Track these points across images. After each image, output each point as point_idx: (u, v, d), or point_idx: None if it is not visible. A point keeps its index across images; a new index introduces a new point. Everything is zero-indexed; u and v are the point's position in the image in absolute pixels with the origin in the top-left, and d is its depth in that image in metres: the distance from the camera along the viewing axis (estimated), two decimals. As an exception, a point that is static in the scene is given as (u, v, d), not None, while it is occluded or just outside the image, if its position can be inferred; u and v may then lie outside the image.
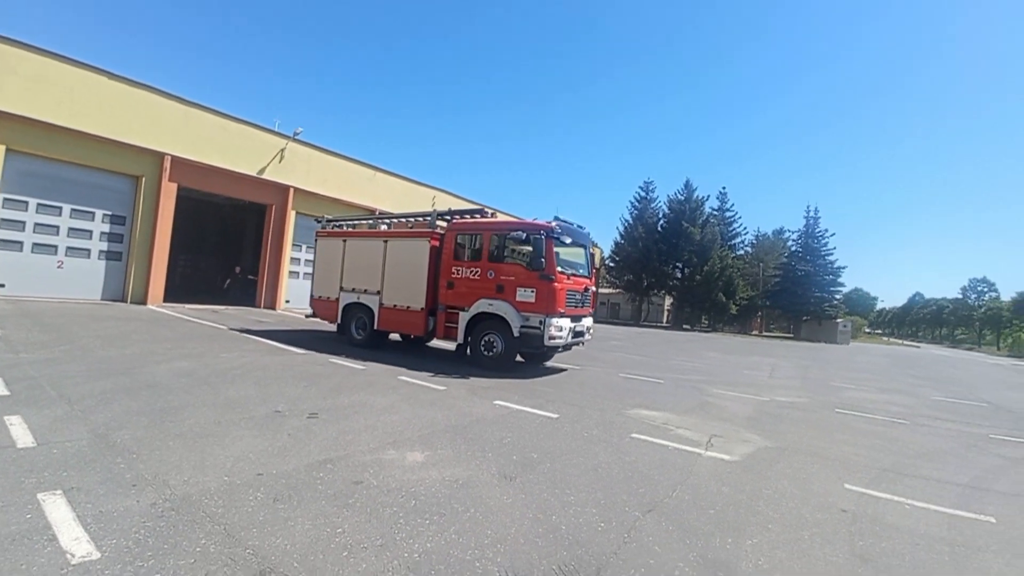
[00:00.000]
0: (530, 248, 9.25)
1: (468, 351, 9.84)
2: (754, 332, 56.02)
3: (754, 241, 65.59)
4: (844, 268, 51.49)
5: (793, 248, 54.34)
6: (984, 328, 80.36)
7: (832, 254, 50.99)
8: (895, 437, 6.98)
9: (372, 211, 23.25)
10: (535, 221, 9.77)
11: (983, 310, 79.50)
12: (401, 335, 11.97)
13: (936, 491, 4.71)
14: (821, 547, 3.30)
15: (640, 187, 53.83)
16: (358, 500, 3.38)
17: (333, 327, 12.05)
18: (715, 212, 54.98)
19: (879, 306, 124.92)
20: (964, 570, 3.19)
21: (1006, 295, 74.30)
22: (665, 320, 60.99)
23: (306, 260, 21.54)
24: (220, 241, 26.55)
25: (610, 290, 60.77)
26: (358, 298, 11.36)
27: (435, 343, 12.19)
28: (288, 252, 20.62)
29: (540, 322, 9.04)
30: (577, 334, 9.86)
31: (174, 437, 4.37)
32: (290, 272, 20.98)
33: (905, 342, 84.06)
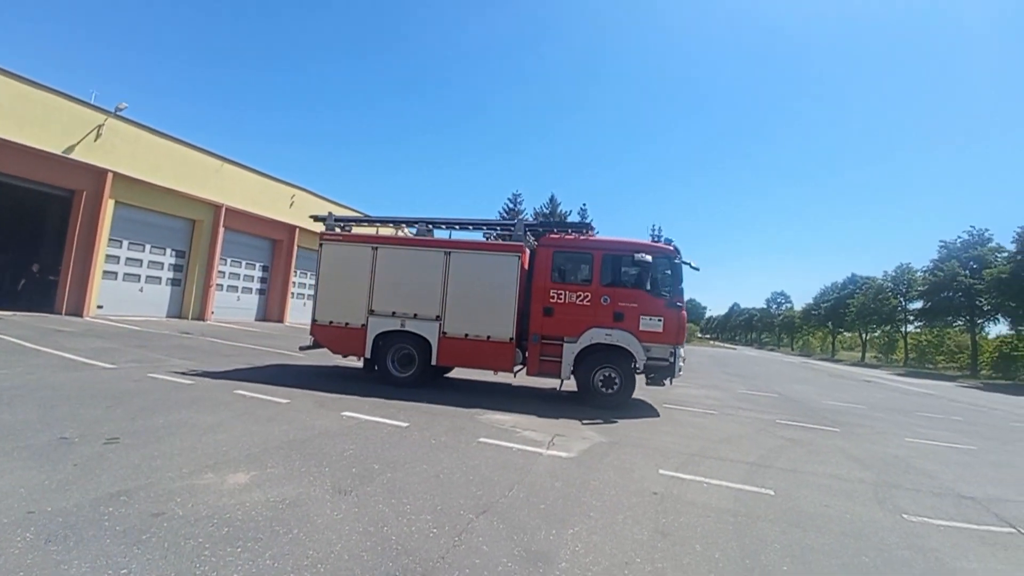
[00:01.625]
0: (662, 272, 8.49)
1: (579, 388, 8.76)
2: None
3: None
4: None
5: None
6: (782, 332, 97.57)
7: (672, 268, 57.86)
8: (706, 426, 8.10)
9: (219, 206, 21.05)
10: (654, 243, 9.15)
11: (781, 318, 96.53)
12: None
13: (730, 470, 5.56)
14: (631, 528, 3.69)
15: (508, 199, 55.74)
16: (155, 534, 2.95)
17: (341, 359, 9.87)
18: (577, 225, 59.20)
19: (707, 314, 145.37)
20: (744, 537, 3.78)
21: (798, 305, 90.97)
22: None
23: (129, 259, 18.53)
24: (12, 233, 21.57)
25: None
26: (402, 324, 9.06)
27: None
28: (103, 248, 17.43)
29: (671, 353, 8.35)
30: None
31: None
32: (105, 272, 17.78)
33: (725, 345, 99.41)
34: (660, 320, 8.42)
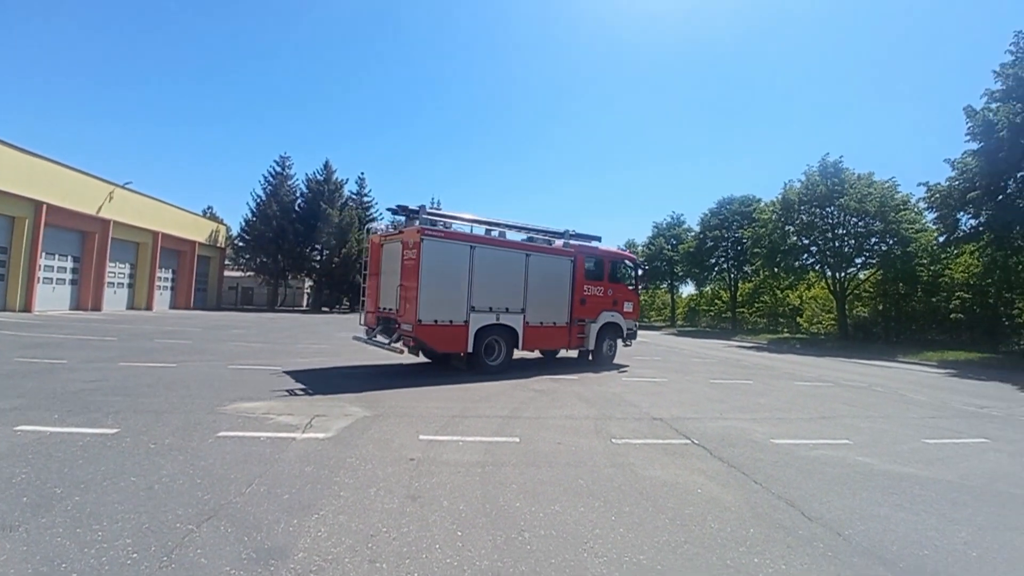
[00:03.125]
0: (634, 272, 13.73)
1: (593, 356, 12.33)
2: (390, 311, 60.61)
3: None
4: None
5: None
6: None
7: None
8: (468, 388, 8.63)
9: (39, 203, 21.90)
10: (628, 252, 15.30)
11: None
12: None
13: (485, 425, 6.03)
14: (382, 499, 3.66)
15: (276, 161, 49.55)
16: None
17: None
18: (354, 196, 56.26)
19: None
20: (488, 484, 4.10)
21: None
22: (305, 304, 58.94)
23: None
24: None
25: (240, 273, 54.22)
26: (497, 318, 10.21)
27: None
28: None
29: (635, 324, 13.59)
30: None
31: None
32: None
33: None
34: (632, 304, 13.18)
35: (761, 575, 2.80)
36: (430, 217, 9.90)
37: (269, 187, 48.40)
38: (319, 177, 49.84)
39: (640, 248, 55.79)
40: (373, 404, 6.92)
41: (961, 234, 20.97)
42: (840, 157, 28.29)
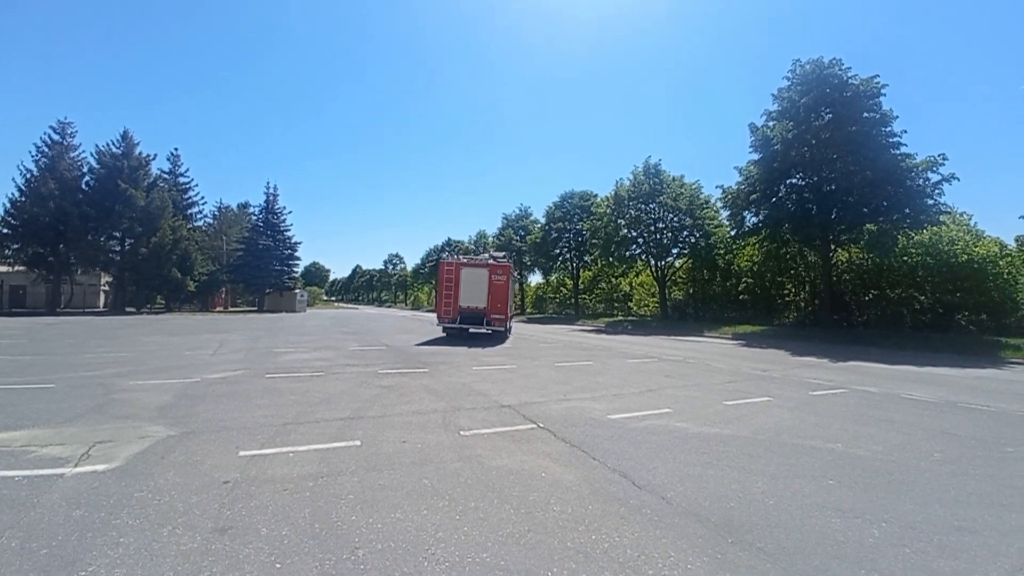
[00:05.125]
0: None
1: (502, 337, 18.71)
2: (218, 309, 53.47)
3: (216, 213, 62.11)
4: (300, 243, 56.85)
5: (255, 222, 54.94)
6: (398, 290, 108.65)
7: (290, 230, 55.06)
8: (308, 390, 7.82)
9: None
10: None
11: (396, 277, 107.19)
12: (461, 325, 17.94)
13: (323, 430, 5.43)
14: (179, 538, 2.99)
15: (52, 127, 39.68)
16: None
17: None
18: (166, 175, 48.02)
19: (332, 277, 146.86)
20: (320, 499, 3.61)
21: (411, 265, 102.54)
22: (102, 304, 48.88)
23: None
24: None
25: (6, 268, 42.89)
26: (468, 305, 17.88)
27: None
28: None
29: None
30: None
31: None
32: None
33: (349, 305, 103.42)
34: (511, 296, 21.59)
35: (598, 551, 2.87)
36: (497, 255, 21.13)
37: (43, 160, 38.82)
38: (116, 150, 41.43)
39: (490, 238, 57.24)
40: (182, 420, 5.83)
41: (746, 229, 25.35)
42: (659, 160, 32.25)
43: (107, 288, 48.69)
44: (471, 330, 17.89)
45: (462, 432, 5.46)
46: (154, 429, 5.47)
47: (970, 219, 25.26)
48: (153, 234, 40.77)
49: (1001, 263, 20.39)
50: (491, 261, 19.12)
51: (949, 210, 21.26)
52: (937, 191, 19.32)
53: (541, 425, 5.81)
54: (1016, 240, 28.05)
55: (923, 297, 21.92)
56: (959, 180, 19.10)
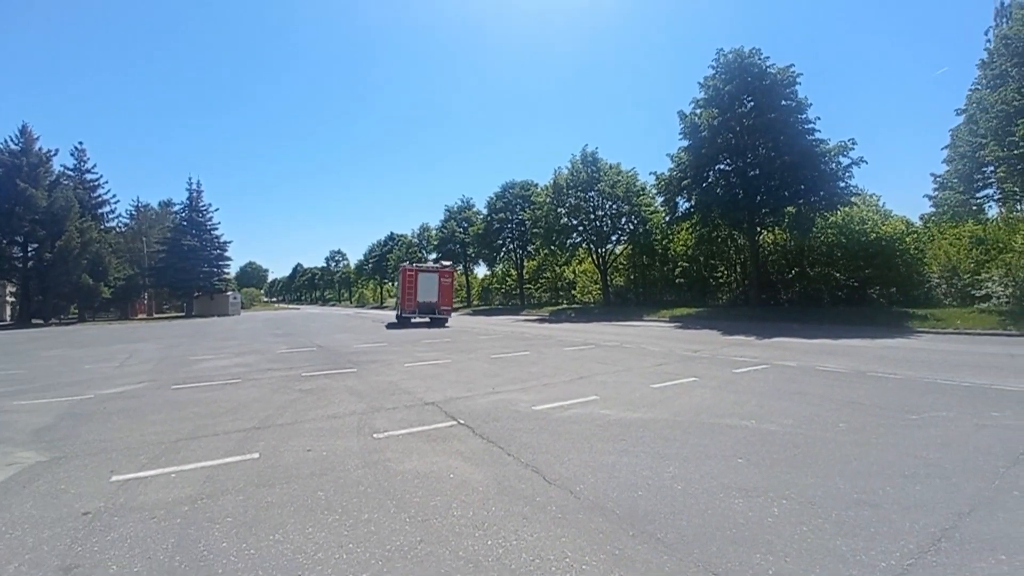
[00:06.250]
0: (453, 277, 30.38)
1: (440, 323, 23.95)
2: (140, 316, 49.62)
3: (134, 212, 57.44)
4: (231, 243, 53.68)
5: (179, 221, 51.21)
6: (342, 288, 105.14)
7: (218, 228, 51.76)
8: (216, 399, 7.18)
9: None
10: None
11: (339, 274, 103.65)
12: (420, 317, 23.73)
13: (219, 444, 4.95)
14: (0, 590, 2.53)
15: (-77, 122, 35.24)
16: None
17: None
18: (70, 172, 43.79)
19: (271, 277, 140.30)
20: (193, 524, 3.20)
21: (354, 261, 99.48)
22: (8, 317, 44.13)
23: None
24: None
25: None
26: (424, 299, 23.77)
27: None
28: None
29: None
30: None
31: None
32: None
33: (290, 306, 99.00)
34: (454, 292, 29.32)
35: (490, 559, 2.67)
36: (445, 263, 27.33)
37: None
38: (14, 146, 37.35)
39: (433, 232, 56.34)
40: (58, 443, 5.16)
41: (679, 215, 26.13)
42: (596, 148, 32.63)
43: (12, 299, 44.00)
44: (424, 319, 23.91)
45: (375, 435, 5.13)
46: (23, 455, 4.81)
47: (879, 200, 27.27)
48: (58, 237, 37.04)
49: (907, 240, 22.04)
50: (440, 267, 25.28)
51: (860, 192, 22.80)
52: (848, 174, 20.63)
53: (462, 422, 5.58)
54: (921, 218, 30.59)
55: (839, 274, 23.41)
56: (867, 163, 20.51)
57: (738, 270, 28.84)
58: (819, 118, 21.30)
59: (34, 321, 38.21)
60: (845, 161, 20.61)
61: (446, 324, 23.69)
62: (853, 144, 20.41)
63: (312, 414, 6.14)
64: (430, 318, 23.77)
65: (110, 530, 3.18)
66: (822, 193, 20.92)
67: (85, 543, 3.02)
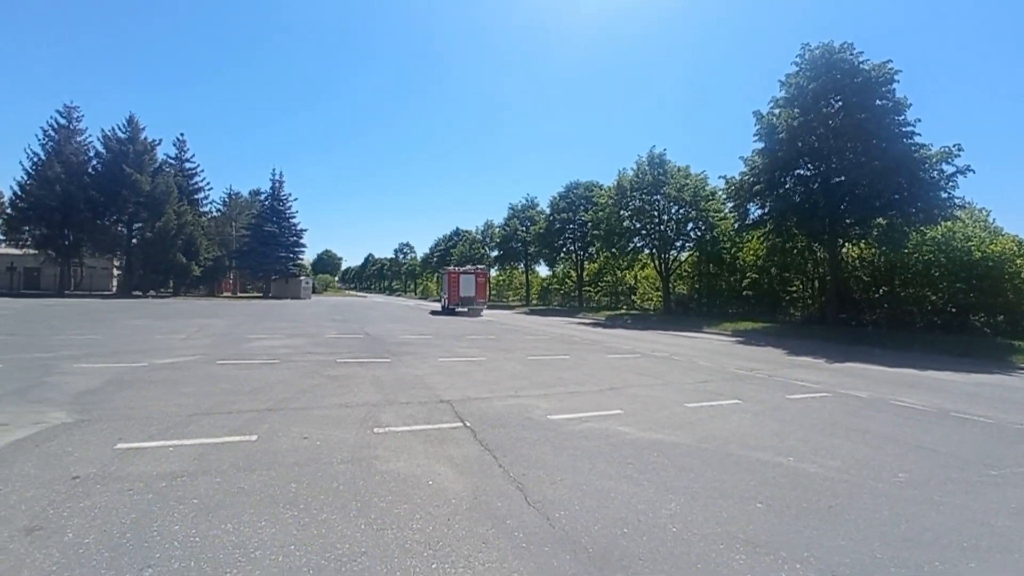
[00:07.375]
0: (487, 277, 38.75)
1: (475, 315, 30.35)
2: (226, 294, 53.87)
3: (227, 199, 62.47)
4: (306, 230, 56.96)
5: (261, 209, 55.08)
6: (408, 279, 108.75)
7: (296, 216, 55.13)
8: (247, 378, 7.43)
9: None
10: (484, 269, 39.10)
11: (406, 266, 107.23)
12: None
13: (228, 423, 5.02)
14: (-43, 549, 2.59)
15: (59, 111, 40.11)
16: None
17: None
18: (172, 160, 48.27)
19: (344, 265, 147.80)
20: (159, 501, 3.21)
21: (421, 254, 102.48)
22: (114, 287, 49.56)
23: None
24: None
25: (16, 251, 43.55)
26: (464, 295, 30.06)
27: None
28: None
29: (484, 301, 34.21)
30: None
31: None
32: None
33: (359, 294, 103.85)
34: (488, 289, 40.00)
35: (430, 586, 2.39)
36: (479, 267, 36.13)
37: (50, 144, 39.24)
38: (121, 135, 41.72)
39: (496, 229, 56.63)
40: (92, 407, 5.51)
41: (750, 222, 24.41)
42: (664, 150, 31.28)
43: (118, 272, 49.34)
44: (464, 308, 29.75)
45: (376, 429, 5.01)
46: (54, 415, 5.15)
47: (988, 215, 23.99)
48: (158, 219, 41.03)
49: (1019, 262, 19.23)
50: (476, 269, 32.65)
51: (965, 205, 20.05)
52: (952, 184, 18.24)
53: (467, 424, 5.33)
54: (1039, 238, 26.70)
55: (935, 296, 20.85)
56: (975, 172, 17.99)
57: (815, 285, 26.51)
58: (919, 120, 19.05)
59: (134, 293, 42.54)
60: (949, 169, 18.26)
61: (480, 314, 30.23)
62: (959, 150, 18.03)
63: (326, 401, 6.15)
64: (468, 308, 29.93)
65: (87, 497, 3.24)
66: (920, 204, 18.65)
67: (59, 507, 3.08)
